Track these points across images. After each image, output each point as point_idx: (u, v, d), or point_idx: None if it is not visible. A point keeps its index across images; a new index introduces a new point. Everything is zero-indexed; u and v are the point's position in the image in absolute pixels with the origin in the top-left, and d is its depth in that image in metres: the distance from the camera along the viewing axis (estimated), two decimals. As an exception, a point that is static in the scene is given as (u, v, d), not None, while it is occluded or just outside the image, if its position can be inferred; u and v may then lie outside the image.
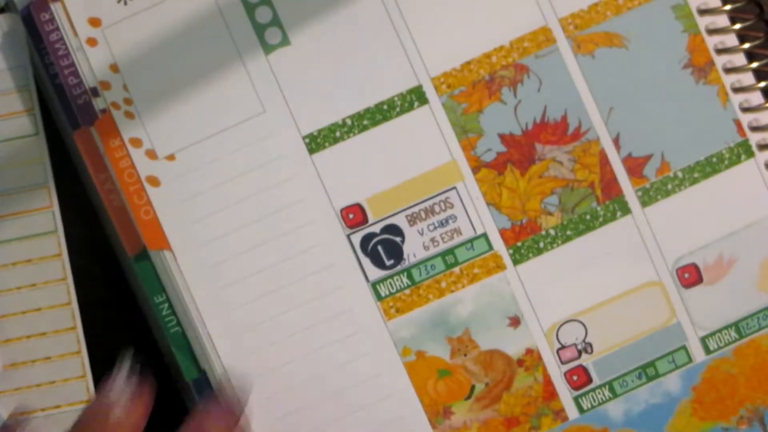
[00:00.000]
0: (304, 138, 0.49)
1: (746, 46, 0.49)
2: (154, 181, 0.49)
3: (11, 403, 0.51)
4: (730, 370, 0.50)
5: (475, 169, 0.49)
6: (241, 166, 0.49)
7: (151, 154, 0.49)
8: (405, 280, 0.49)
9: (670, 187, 0.49)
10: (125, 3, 0.49)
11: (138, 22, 0.49)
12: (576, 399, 0.50)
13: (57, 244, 0.51)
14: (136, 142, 0.49)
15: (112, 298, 0.53)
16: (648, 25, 0.49)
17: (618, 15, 0.49)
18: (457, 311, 0.49)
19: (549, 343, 0.49)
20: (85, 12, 0.49)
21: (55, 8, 0.49)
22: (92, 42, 0.49)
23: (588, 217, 0.49)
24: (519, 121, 0.49)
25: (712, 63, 0.49)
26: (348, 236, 0.49)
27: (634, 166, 0.49)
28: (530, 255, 0.49)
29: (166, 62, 0.49)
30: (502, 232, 0.49)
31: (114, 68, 0.49)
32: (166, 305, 0.50)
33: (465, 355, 0.49)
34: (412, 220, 0.49)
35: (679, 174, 0.49)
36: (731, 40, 0.49)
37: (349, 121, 0.49)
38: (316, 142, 0.49)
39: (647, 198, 0.49)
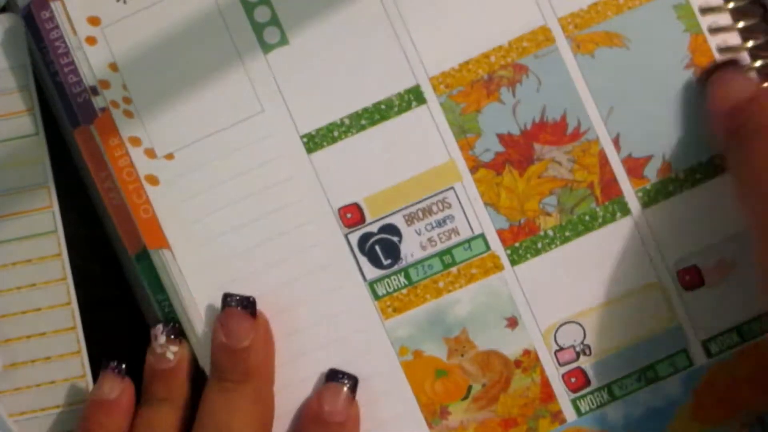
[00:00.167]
0: (302, 137, 0.49)
1: (750, 44, 0.48)
2: (153, 180, 0.49)
3: (11, 403, 0.51)
4: (732, 373, 0.49)
5: (473, 169, 0.49)
6: (239, 165, 0.49)
7: (150, 153, 0.49)
8: (402, 279, 0.49)
9: (671, 188, 0.48)
10: (124, 2, 0.49)
11: (137, 20, 0.49)
12: (574, 401, 0.49)
13: (57, 244, 0.51)
14: (136, 141, 0.49)
15: (112, 298, 0.53)
16: (649, 24, 0.48)
17: (618, 14, 0.48)
18: (454, 311, 0.49)
19: (547, 344, 0.49)
20: (85, 11, 0.49)
21: (55, 6, 0.49)
22: (91, 41, 0.49)
23: (587, 218, 0.49)
24: (518, 121, 0.49)
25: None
26: (346, 236, 0.49)
27: (635, 167, 0.49)
28: (528, 256, 0.49)
29: (165, 61, 0.49)
30: (500, 233, 0.49)
31: (113, 67, 0.49)
32: (167, 303, 0.50)
33: (462, 355, 0.49)
34: (410, 219, 0.49)
35: (681, 175, 0.48)
36: (734, 38, 0.48)
37: (347, 121, 0.49)
38: (314, 141, 0.49)
39: (648, 199, 0.49)
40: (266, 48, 0.49)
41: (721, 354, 0.49)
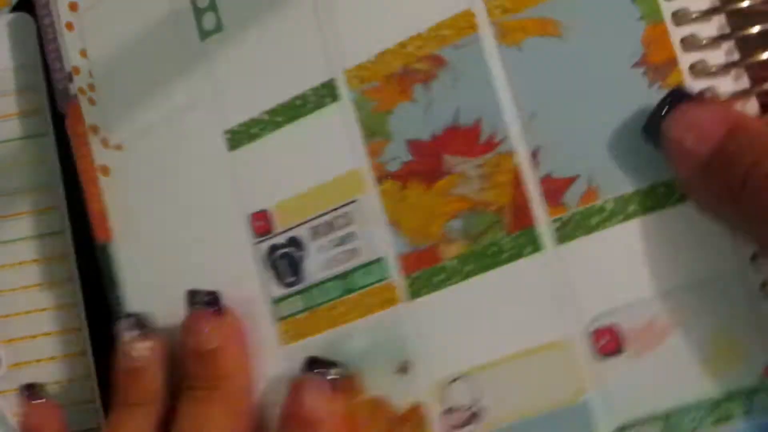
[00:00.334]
0: (225, 133, 0.44)
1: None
2: (105, 170, 0.48)
3: (16, 402, 0.52)
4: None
5: (380, 180, 0.41)
6: (173, 160, 0.46)
7: (105, 142, 0.48)
8: (301, 302, 0.42)
9: (595, 221, 0.37)
10: (98, -13, 0.48)
11: (107, 7, 0.48)
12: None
13: (64, 244, 0.51)
14: (95, 129, 0.48)
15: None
16: (594, 7, 0.37)
17: (559, -5, 0.38)
18: (346, 347, 0.41)
19: (438, 400, 0.39)
20: (69, -5, 0.49)
21: (51, -8, 0.50)
22: (70, 26, 0.49)
23: (492, 250, 0.38)
24: (429, 125, 0.40)
25: (675, 61, 0.36)
26: (254, 245, 0.44)
27: (553, 190, 0.37)
28: (424, 290, 0.40)
29: (123, 48, 0.47)
30: (402, 258, 0.40)
31: (83, 54, 0.49)
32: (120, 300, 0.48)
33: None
34: (315, 234, 0.42)
35: (610, 205, 0.36)
36: (707, 30, 0.36)
37: (266, 117, 0.43)
38: (236, 138, 0.44)
39: (564, 233, 0.37)
40: (203, 35, 0.45)
41: (640, 451, 0.36)
